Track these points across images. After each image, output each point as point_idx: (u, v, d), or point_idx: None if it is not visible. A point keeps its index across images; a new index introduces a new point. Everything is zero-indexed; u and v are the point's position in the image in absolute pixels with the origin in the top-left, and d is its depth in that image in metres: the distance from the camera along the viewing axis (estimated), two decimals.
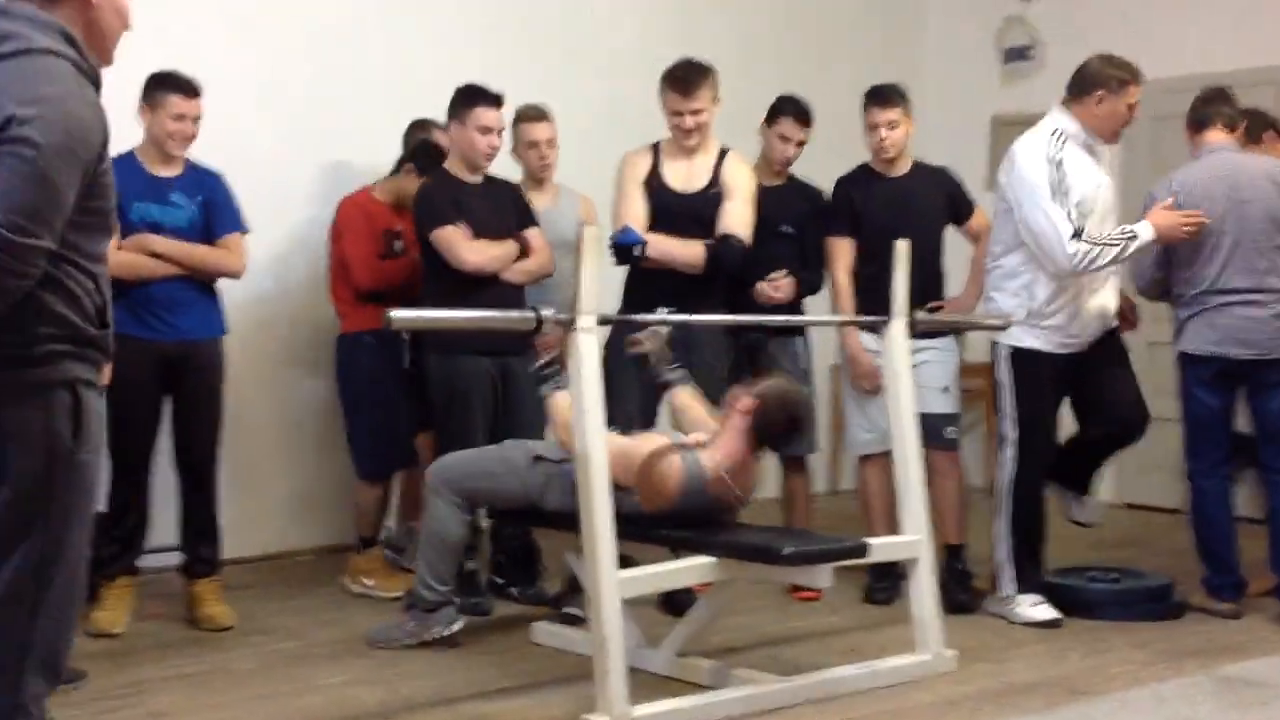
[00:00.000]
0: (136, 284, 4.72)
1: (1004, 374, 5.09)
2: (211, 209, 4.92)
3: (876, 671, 4.36)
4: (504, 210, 5.16)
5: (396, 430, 5.54)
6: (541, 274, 5.20)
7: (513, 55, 6.44)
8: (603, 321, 4.05)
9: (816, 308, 5.83)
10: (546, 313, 3.81)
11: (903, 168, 5.45)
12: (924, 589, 4.51)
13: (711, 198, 5.11)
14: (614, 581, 3.81)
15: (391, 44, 6.33)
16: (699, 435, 4.42)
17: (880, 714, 4.09)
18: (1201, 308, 5.11)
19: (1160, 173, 5.62)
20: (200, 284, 4.92)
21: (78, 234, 2.71)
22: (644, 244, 4.99)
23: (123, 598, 4.86)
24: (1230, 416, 5.22)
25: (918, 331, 4.75)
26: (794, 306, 5.43)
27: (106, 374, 2.90)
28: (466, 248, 4.98)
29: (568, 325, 3.82)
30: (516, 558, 5.38)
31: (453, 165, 5.18)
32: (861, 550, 4.33)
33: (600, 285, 3.86)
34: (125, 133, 4.55)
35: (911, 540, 4.55)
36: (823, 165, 5.64)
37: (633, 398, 4.92)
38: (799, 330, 5.55)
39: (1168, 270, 5.22)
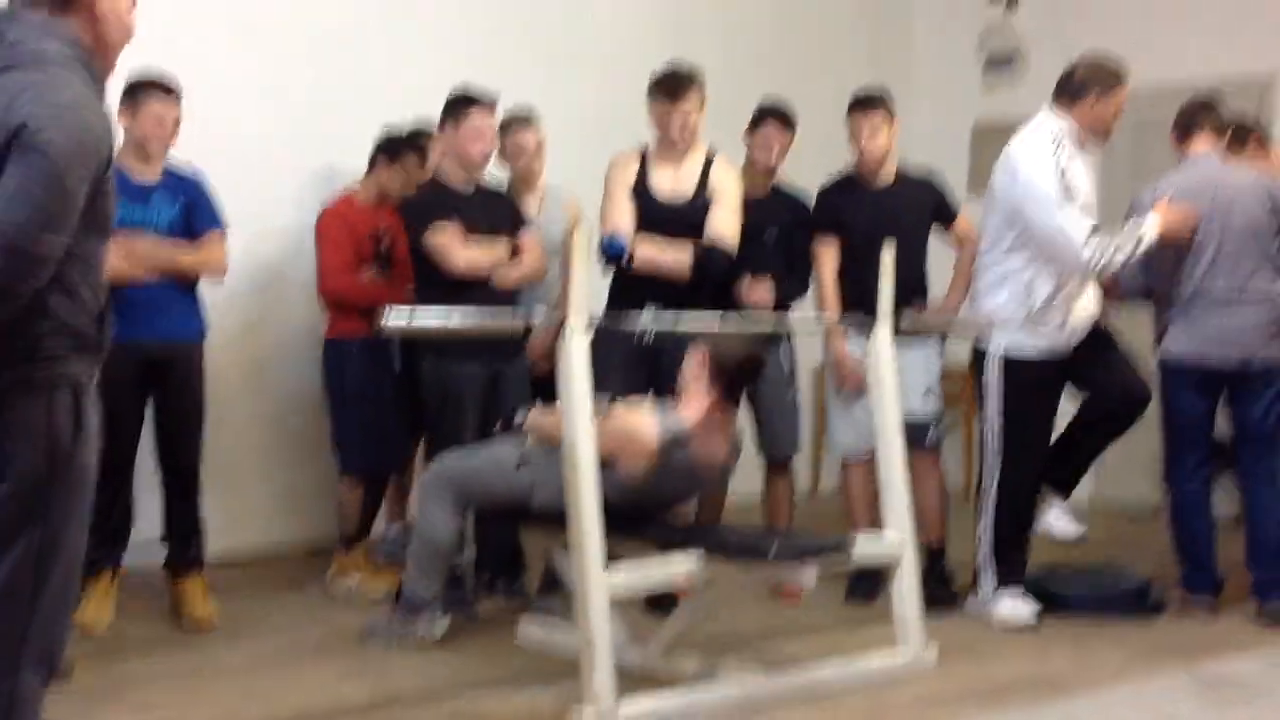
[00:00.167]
0: (116, 285, 4.72)
1: (993, 377, 5.10)
2: (193, 209, 4.92)
3: (859, 670, 4.39)
4: (495, 216, 5.14)
5: (386, 429, 5.53)
6: (533, 277, 5.20)
7: (514, 60, 6.46)
8: (592, 323, 4.08)
9: (801, 312, 5.86)
10: (537, 316, 3.84)
11: (887, 177, 5.44)
12: (906, 588, 4.55)
13: (699, 208, 5.13)
14: (602, 578, 3.84)
15: (393, 48, 6.33)
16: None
17: (863, 711, 4.12)
18: (1183, 313, 5.16)
19: (1141, 179, 5.67)
20: (181, 286, 4.92)
21: (82, 237, 2.74)
22: (630, 254, 5.01)
23: (107, 595, 4.86)
24: (1212, 421, 5.25)
25: (901, 334, 4.77)
26: (781, 310, 5.45)
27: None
28: (457, 250, 4.98)
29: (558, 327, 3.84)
30: (502, 555, 5.39)
31: (444, 171, 5.17)
32: (846, 548, 4.37)
33: (588, 288, 3.89)
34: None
35: (895, 539, 4.59)
36: (810, 171, 5.67)
37: (615, 389, 4.93)
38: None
39: (1149, 274, 5.27)
